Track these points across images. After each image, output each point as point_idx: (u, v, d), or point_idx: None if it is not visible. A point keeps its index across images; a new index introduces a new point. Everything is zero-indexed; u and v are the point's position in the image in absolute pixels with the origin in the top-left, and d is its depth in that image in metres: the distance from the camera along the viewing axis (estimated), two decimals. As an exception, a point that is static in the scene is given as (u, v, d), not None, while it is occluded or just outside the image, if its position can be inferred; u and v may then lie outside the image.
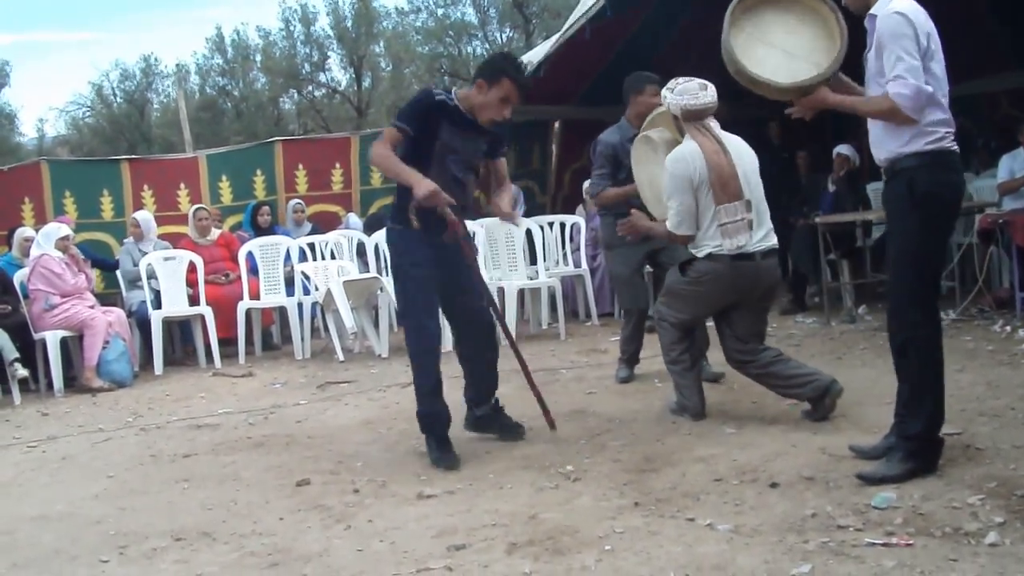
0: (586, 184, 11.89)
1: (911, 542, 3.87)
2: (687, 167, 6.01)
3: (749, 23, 5.10)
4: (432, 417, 5.89)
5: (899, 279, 4.78)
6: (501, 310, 10.28)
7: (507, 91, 5.65)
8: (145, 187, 12.17)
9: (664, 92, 6.29)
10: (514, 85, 5.65)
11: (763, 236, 6.11)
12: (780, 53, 5.03)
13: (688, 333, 6.43)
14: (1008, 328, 8.39)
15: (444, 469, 5.63)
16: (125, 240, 11.28)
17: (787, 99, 5.06)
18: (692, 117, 6.14)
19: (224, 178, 12.58)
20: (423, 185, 5.48)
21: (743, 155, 6.19)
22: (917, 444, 4.67)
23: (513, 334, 10.11)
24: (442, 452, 5.78)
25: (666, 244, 7.09)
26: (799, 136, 12.76)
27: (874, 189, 11.52)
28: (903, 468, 4.63)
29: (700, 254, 6.10)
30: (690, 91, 6.12)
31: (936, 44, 4.60)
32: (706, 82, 6.16)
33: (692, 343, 6.47)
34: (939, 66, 4.61)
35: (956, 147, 4.69)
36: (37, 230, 10.35)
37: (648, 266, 7.85)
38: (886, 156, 4.73)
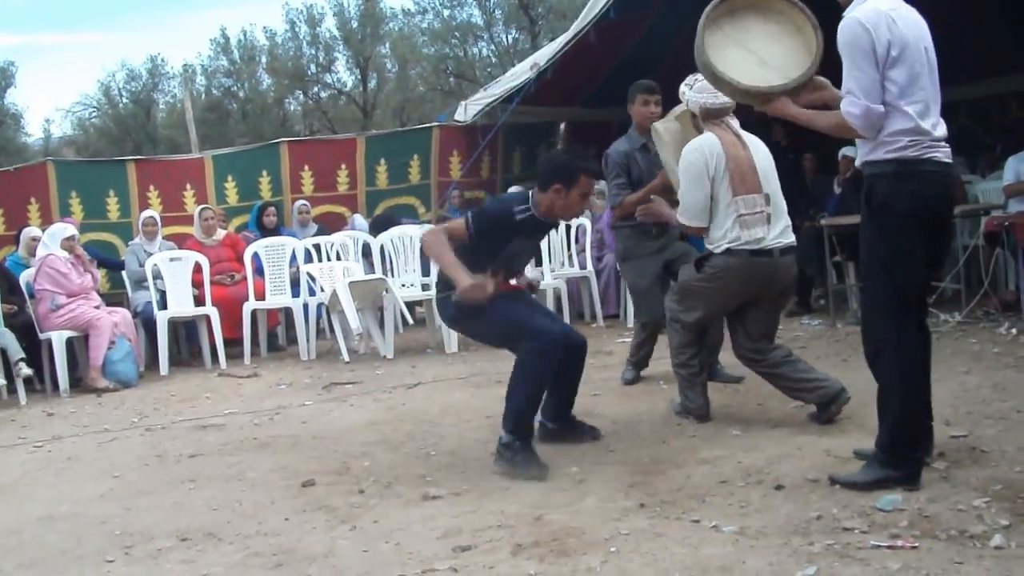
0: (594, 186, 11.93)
1: (916, 544, 3.87)
2: (703, 157, 6.05)
3: (729, 24, 5.05)
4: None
5: (868, 288, 4.81)
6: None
7: (585, 187, 5.74)
8: (151, 188, 12.18)
9: (682, 88, 6.35)
10: (590, 177, 5.75)
11: (781, 232, 6.12)
12: (754, 59, 4.97)
13: (700, 336, 6.40)
14: (1014, 331, 8.39)
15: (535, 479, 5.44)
16: (131, 241, 11.27)
17: (748, 102, 5.07)
18: (710, 116, 6.19)
19: (230, 179, 12.60)
20: (465, 285, 5.50)
21: (760, 152, 6.23)
22: (886, 455, 4.63)
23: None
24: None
25: (681, 254, 7.09)
26: (805, 138, 12.76)
27: (881, 192, 11.51)
28: (872, 477, 4.62)
29: (718, 250, 6.08)
30: (709, 90, 6.04)
31: (902, 49, 4.47)
32: None
33: (702, 348, 6.46)
34: (904, 73, 4.48)
35: (930, 154, 4.53)
36: (44, 230, 10.37)
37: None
38: (859, 164, 4.74)
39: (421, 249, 6.55)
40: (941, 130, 4.61)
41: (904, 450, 4.60)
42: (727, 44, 5.01)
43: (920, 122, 4.50)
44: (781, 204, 6.22)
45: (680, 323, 6.37)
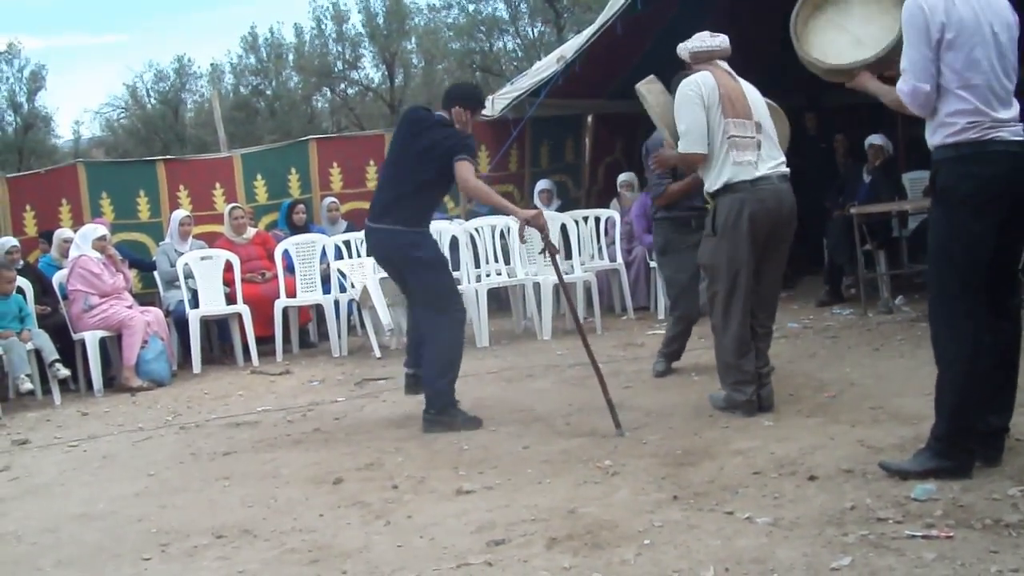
0: (620, 177, 11.93)
1: (951, 534, 3.86)
2: (698, 87, 6.21)
3: (833, 7, 5.53)
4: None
5: (931, 273, 4.71)
6: (537, 306, 10.34)
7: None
8: (180, 187, 12.18)
9: (679, 45, 6.50)
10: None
11: (775, 165, 6.22)
12: (850, 39, 5.36)
13: (747, 329, 6.28)
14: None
15: None
16: (162, 242, 11.31)
17: (837, 79, 5.36)
18: (701, 59, 6.38)
19: (259, 177, 12.59)
20: (526, 211, 6.64)
21: (752, 89, 6.39)
22: (940, 444, 4.56)
23: (550, 329, 10.17)
24: None
25: None
26: (835, 126, 12.70)
27: (911, 179, 11.46)
28: (923, 466, 4.56)
29: (717, 185, 6.17)
30: (700, 37, 6.43)
31: (958, 33, 4.41)
32: (717, 33, 6.47)
33: (750, 342, 6.36)
34: (960, 57, 4.42)
35: (993, 135, 4.42)
36: (75, 231, 10.44)
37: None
38: (930, 147, 4.67)
39: (477, 198, 7.59)
40: (1009, 112, 4.50)
41: (959, 439, 4.52)
42: (828, 28, 5.50)
43: (980, 104, 4.43)
44: (774, 137, 6.33)
45: (727, 323, 6.28)
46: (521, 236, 6.76)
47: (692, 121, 6.17)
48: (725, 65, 6.40)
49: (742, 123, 6.12)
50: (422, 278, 6.77)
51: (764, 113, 6.31)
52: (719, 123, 6.12)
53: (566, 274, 10.71)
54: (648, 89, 6.84)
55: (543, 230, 6.54)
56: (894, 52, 4.93)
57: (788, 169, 6.30)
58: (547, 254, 6.66)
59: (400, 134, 6.92)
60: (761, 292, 6.29)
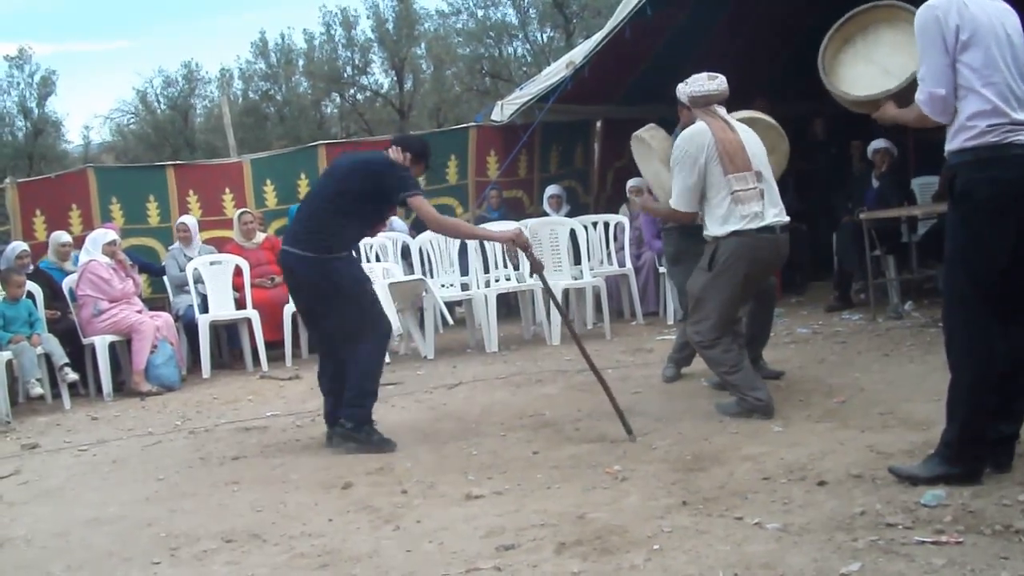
0: (630, 183, 11.93)
1: (961, 540, 3.85)
2: (693, 143, 6.31)
3: (862, 40, 5.68)
4: None
5: (946, 278, 4.69)
6: (546, 311, 10.34)
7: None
8: (190, 192, 12.22)
9: (679, 86, 6.65)
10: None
11: (778, 212, 6.35)
12: (878, 70, 5.47)
13: (730, 335, 6.38)
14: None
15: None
16: (171, 247, 11.34)
17: (863, 111, 5.56)
18: (699, 103, 6.50)
19: (268, 182, 12.61)
20: (505, 233, 6.60)
21: (749, 135, 6.48)
22: (950, 450, 4.53)
23: (559, 335, 10.17)
24: None
25: None
26: (847, 131, 12.71)
27: (920, 183, 11.44)
28: (932, 472, 4.53)
29: (723, 233, 6.26)
30: (698, 81, 6.53)
31: (973, 32, 4.39)
32: (716, 74, 6.54)
33: (740, 347, 6.45)
34: (979, 56, 4.38)
35: (1013, 138, 4.36)
36: (84, 236, 10.46)
37: None
38: (946, 153, 4.62)
39: (448, 234, 7.18)
40: None
41: (970, 445, 4.50)
42: (856, 60, 5.66)
43: (1000, 104, 4.38)
44: (774, 184, 6.46)
45: (707, 340, 6.41)
46: (507, 257, 6.74)
47: (686, 182, 6.34)
48: (722, 111, 6.51)
49: (743, 176, 6.24)
50: (338, 310, 6.54)
51: (763, 161, 6.43)
52: (721, 180, 6.25)
53: (574, 279, 10.75)
54: (651, 135, 6.94)
55: (526, 248, 6.50)
56: (911, 82, 4.96)
57: (789, 218, 6.48)
58: (535, 273, 6.71)
59: (338, 170, 6.77)
60: (749, 316, 6.46)
